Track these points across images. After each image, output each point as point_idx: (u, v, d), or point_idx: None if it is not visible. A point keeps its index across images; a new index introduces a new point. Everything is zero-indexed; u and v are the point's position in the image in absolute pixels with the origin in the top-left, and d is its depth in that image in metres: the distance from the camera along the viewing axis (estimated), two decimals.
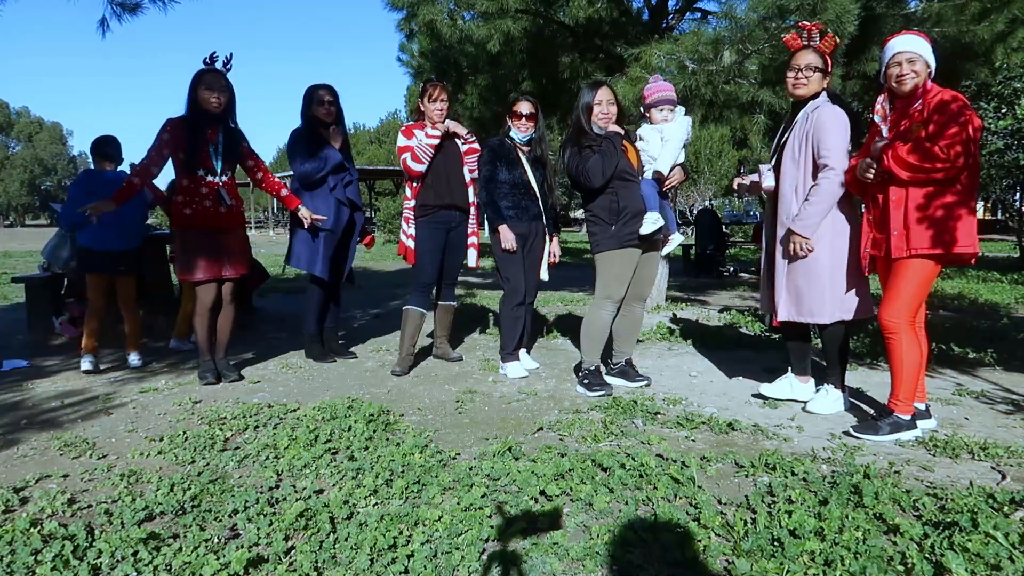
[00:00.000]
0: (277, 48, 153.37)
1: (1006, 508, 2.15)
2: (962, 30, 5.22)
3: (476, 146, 4.32)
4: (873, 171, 2.91)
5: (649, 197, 3.70)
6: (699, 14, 6.87)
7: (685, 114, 3.85)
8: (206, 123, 3.92)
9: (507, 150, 4.12)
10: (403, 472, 2.54)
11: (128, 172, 4.62)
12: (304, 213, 4.26)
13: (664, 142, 3.72)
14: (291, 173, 4.49)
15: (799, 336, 3.47)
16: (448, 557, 1.94)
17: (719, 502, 2.31)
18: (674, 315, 6.51)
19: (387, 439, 2.96)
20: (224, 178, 3.99)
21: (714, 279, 10.57)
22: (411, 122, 4.35)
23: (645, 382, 3.96)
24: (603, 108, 3.71)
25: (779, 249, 3.29)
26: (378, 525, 2.10)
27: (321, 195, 4.38)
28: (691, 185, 24.06)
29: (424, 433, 3.06)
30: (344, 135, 4.58)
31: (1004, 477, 2.49)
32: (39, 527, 2.11)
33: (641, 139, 3.83)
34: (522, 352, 4.43)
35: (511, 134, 4.15)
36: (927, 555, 1.90)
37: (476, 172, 4.25)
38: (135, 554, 1.96)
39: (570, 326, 5.72)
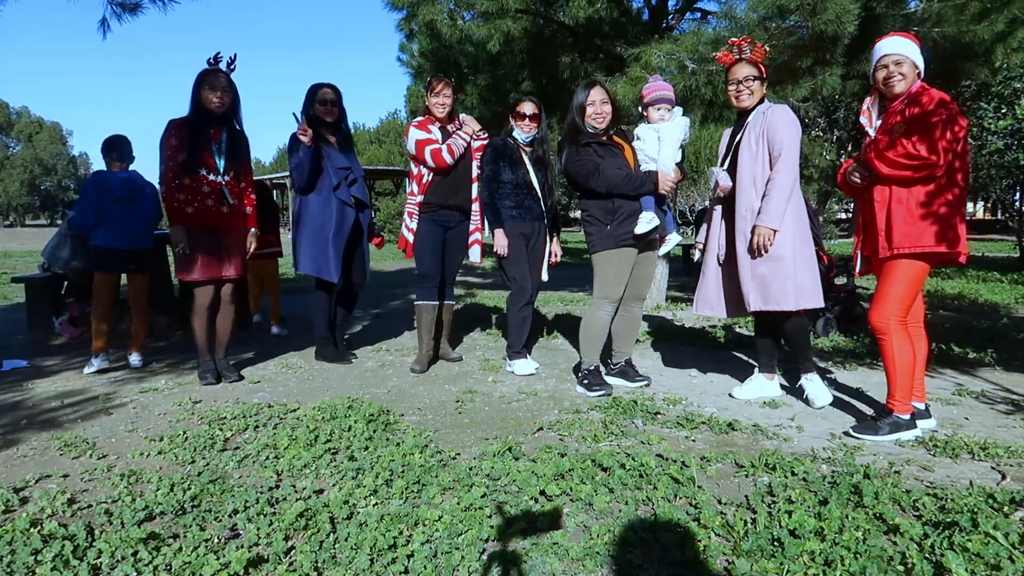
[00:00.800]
0: (277, 48, 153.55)
1: (1006, 508, 2.15)
2: (962, 30, 5.22)
3: (487, 142, 4.33)
4: (859, 174, 2.99)
5: (645, 197, 3.70)
6: (699, 14, 6.87)
7: (683, 114, 3.85)
8: (209, 123, 3.92)
9: (510, 150, 4.12)
10: (403, 472, 2.54)
11: (138, 172, 4.67)
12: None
13: (661, 142, 3.73)
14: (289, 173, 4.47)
15: (770, 333, 3.65)
16: (448, 557, 1.94)
17: (719, 502, 2.31)
18: (674, 315, 6.51)
19: (387, 439, 2.96)
20: (227, 177, 3.99)
21: None
22: (418, 119, 4.32)
23: (645, 382, 3.96)
24: (596, 108, 3.72)
25: (740, 242, 3.37)
26: (378, 525, 2.10)
27: (323, 195, 4.31)
28: (691, 185, 24.08)
29: (424, 433, 3.06)
30: (347, 134, 4.57)
31: (1004, 477, 2.49)
32: (39, 527, 2.11)
33: (638, 139, 3.83)
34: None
35: (514, 134, 4.15)
36: (927, 555, 1.90)
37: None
38: (135, 554, 1.96)
39: (570, 326, 5.72)
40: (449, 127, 4.31)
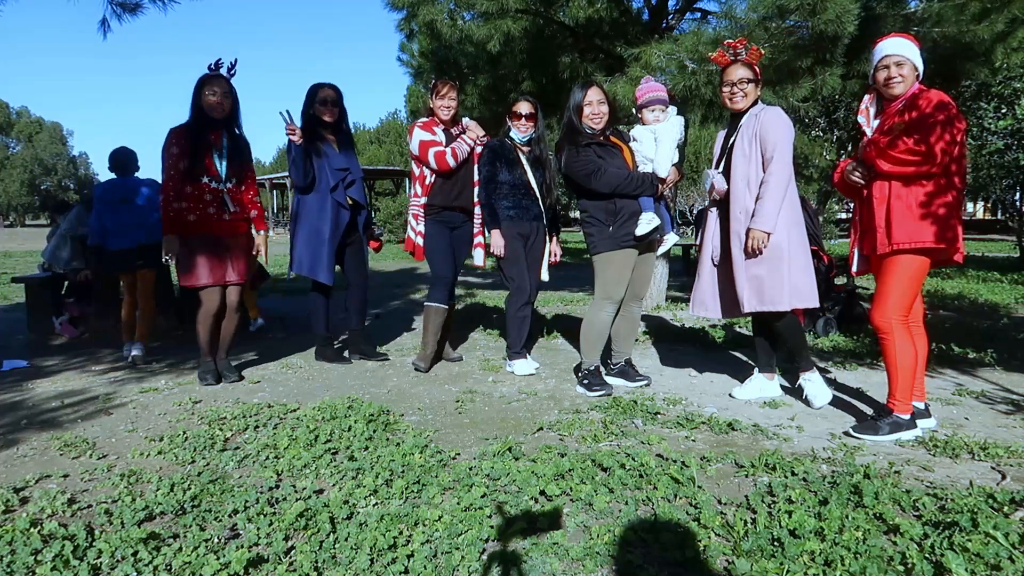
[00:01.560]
0: (277, 48, 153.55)
1: (1006, 508, 2.15)
2: (962, 30, 5.22)
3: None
4: (858, 173, 2.99)
5: (644, 198, 3.70)
6: (699, 14, 6.86)
7: (678, 114, 3.85)
8: (209, 128, 3.92)
9: (507, 151, 4.13)
10: (403, 472, 2.54)
11: (136, 176, 4.99)
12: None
13: (657, 142, 3.73)
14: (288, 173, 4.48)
15: (769, 334, 3.65)
16: (448, 557, 1.94)
17: (719, 502, 2.31)
18: (674, 315, 6.51)
19: (387, 439, 2.96)
20: (229, 184, 3.98)
21: None
22: (422, 120, 4.32)
23: (645, 382, 3.96)
24: (593, 108, 3.72)
25: (735, 244, 3.37)
26: (378, 525, 2.10)
27: (320, 196, 4.29)
28: (691, 185, 24.06)
29: (424, 433, 3.06)
30: (348, 134, 4.56)
31: (1004, 477, 2.49)
32: (39, 527, 2.11)
33: (635, 140, 3.83)
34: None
35: (511, 134, 4.16)
36: (927, 555, 1.90)
37: None
38: (135, 554, 1.96)
39: (570, 326, 5.72)
40: (453, 130, 4.31)
